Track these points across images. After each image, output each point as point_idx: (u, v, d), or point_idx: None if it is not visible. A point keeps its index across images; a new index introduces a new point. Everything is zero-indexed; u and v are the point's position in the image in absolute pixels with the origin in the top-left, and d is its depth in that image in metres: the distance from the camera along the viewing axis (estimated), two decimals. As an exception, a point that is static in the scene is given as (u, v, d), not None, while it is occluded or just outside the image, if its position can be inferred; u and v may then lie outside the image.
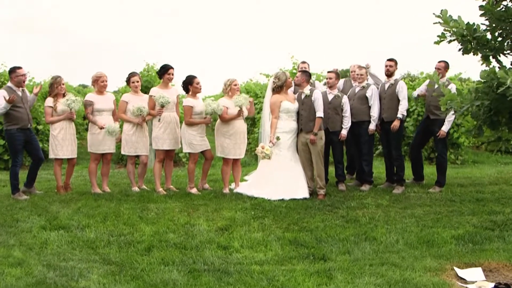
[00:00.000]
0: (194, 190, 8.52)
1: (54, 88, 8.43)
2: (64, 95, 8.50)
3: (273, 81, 8.38)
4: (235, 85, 8.58)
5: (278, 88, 8.32)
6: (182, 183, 9.44)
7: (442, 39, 5.24)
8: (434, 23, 5.22)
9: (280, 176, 8.13)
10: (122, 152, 8.83)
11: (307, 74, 8.43)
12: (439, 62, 8.60)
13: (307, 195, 8.08)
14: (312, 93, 8.19)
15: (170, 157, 8.88)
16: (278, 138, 8.15)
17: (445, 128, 8.46)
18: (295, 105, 8.28)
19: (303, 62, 9.56)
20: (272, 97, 8.38)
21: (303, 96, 8.28)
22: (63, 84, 8.55)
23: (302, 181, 8.22)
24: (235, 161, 8.76)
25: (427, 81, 8.76)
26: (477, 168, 12.11)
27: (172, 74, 8.64)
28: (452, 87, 8.34)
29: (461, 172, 10.85)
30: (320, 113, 8.10)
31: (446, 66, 8.57)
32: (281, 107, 8.20)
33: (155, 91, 8.56)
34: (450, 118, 8.40)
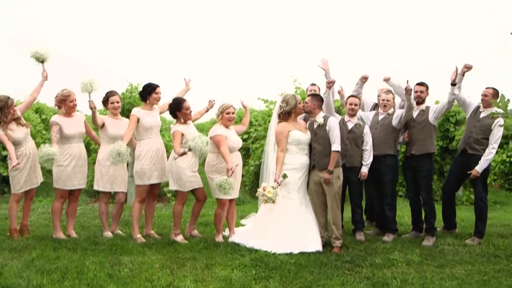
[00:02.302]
0: (180, 238, 7.12)
1: (5, 113, 7.04)
2: (16, 120, 7.13)
3: (280, 106, 7.05)
4: (228, 113, 7.20)
5: (286, 115, 7.00)
6: (165, 227, 8.04)
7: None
8: None
9: (288, 224, 6.78)
10: (95, 188, 7.46)
11: (318, 98, 7.11)
12: (487, 88, 7.38)
13: (320, 248, 6.71)
14: (326, 121, 6.87)
15: (153, 195, 7.53)
16: (285, 176, 6.79)
17: (479, 167, 7.20)
18: (307, 136, 6.96)
19: (313, 84, 8.26)
20: (278, 125, 7.05)
21: (315, 126, 6.96)
22: (15, 107, 7.18)
23: (314, 229, 6.86)
24: (230, 202, 7.35)
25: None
26: (506, 211, 10.78)
27: (160, 93, 7.33)
28: (500, 121, 7.10)
29: (493, 217, 9.51)
30: (336, 146, 6.79)
31: (495, 93, 7.31)
32: (290, 138, 6.87)
33: (137, 111, 7.28)
34: (488, 157, 7.16)
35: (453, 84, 7.10)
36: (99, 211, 7.54)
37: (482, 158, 7.16)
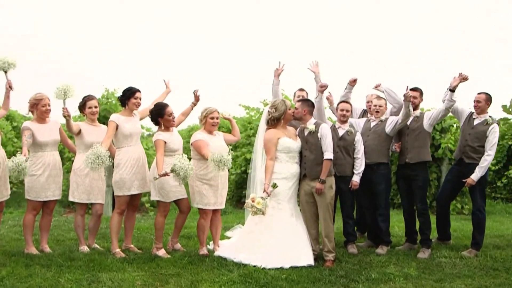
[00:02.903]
0: (162, 252, 6.71)
1: None
2: None
3: (269, 111, 6.70)
4: (212, 118, 6.86)
5: (274, 121, 6.65)
6: (145, 241, 7.61)
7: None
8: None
9: (279, 236, 6.41)
10: (71, 199, 7.01)
11: (309, 104, 6.78)
12: (479, 94, 7.14)
13: (311, 262, 6.35)
14: (318, 128, 6.54)
15: (133, 206, 7.11)
16: (274, 186, 6.42)
17: (475, 176, 6.96)
18: (297, 143, 6.62)
19: (301, 90, 7.89)
20: (267, 132, 6.70)
21: (306, 133, 6.62)
22: None
23: (305, 242, 6.50)
24: (214, 212, 6.96)
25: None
26: (494, 220, 10.57)
27: (140, 99, 6.93)
28: (495, 127, 6.88)
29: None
30: (329, 154, 6.47)
31: (488, 98, 7.09)
32: (279, 145, 6.53)
33: (116, 117, 6.85)
34: (483, 164, 6.93)
35: (453, 90, 6.83)
36: (74, 223, 7.09)
37: (477, 166, 6.92)
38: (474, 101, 7.17)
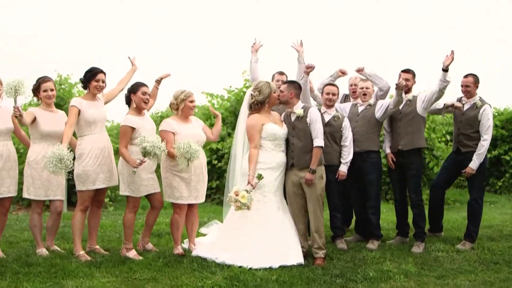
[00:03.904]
0: (132, 254, 6.08)
1: None
2: None
3: (252, 94, 6.13)
4: (191, 101, 6.27)
5: (258, 105, 6.10)
6: (111, 240, 6.96)
7: None
8: None
9: (267, 232, 5.89)
10: (26, 195, 6.28)
11: (296, 86, 6.26)
12: (466, 78, 6.79)
13: (301, 260, 5.86)
14: (307, 112, 6.03)
15: (99, 202, 6.45)
16: (260, 177, 5.88)
17: (473, 164, 6.65)
18: (283, 130, 6.10)
19: (280, 73, 7.30)
20: (249, 117, 6.13)
21: (293, 118, 6.10)
22: None
23: (293, 238, 6.01)
24: (189, 207, 6.37)
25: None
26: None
27: (103, 82, 6.25)
28: (487, 109, 6.55)
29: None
30: (319, 141, 5.98)
31: (476, 80, 6.77)
32: (264, 132, 5.99)
33: (77, 101, 6.14)
34: (481, 150, 6.63)
35: (445, 70, 6.42)
36: (30, 223, 6.35)
37: (475, 153, 6.58)
38: (462, 85, 6.85)
